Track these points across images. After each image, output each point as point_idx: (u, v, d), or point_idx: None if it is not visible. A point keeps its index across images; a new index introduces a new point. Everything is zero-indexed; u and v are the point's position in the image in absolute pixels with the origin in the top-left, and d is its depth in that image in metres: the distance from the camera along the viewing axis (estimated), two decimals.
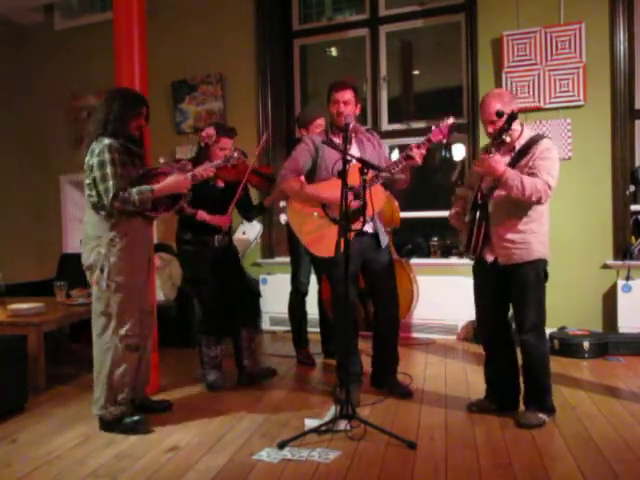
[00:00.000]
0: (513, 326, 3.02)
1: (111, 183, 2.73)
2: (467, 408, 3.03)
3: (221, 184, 3.55)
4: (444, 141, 3.17)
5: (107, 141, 2.79)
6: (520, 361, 2.93)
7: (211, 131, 3.45)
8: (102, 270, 2.81)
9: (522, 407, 2.93)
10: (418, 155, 3.07)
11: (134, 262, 2.89)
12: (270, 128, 5.48)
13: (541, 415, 2.81)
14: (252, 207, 3.77)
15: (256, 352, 3.72)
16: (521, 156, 2.78)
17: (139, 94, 3.06)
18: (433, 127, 3.13)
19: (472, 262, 3.06)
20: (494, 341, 2.99)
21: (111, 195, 2.73)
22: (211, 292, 3.52)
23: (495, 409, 2.97)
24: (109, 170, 2.74)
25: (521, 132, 2.83)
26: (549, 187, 2.70)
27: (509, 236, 2.79)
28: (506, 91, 3.19)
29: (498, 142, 2.71)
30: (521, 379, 2.95)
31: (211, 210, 3.47)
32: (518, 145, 2.81)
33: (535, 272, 2.80)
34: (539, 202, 2.72)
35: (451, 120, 3.11)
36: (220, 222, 3.49)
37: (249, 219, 3.97)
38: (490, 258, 2.87)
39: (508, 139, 2.70)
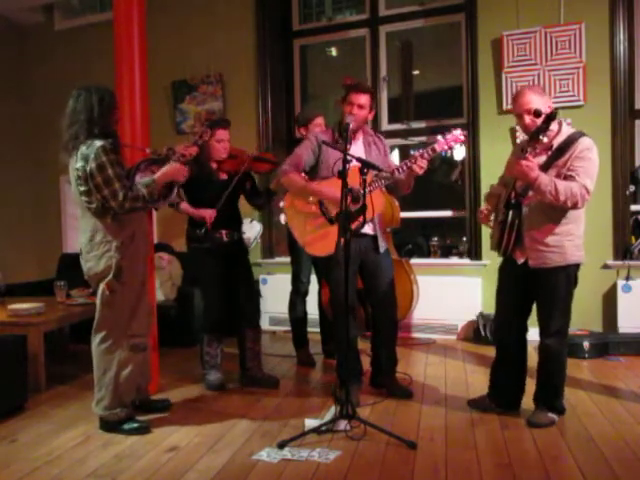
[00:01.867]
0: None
1: (118, 185, 2.69)
2: (467, 403, 3.03)
3: (224, 176, 3.54)
4: (448, 151, 3.15)
5: (99, 143, 2.71)
6: (534, 362, 2.89)
7: (205, 129, 3.42)
8: (117, 276, 2.77)
9: (524, 406, 2.93)
10: (418, 167, 3.06)
11: (141, 262, 2.91)
12: (270, 128, 5.49)
13: (551, 415, 2.81)
14: (260, 193, 3.69)
15: (261, 354, 3.71)
16: (559, 155, 2.67)
17: (107, 87, 2.94)
18: (439, 137, 3.10)
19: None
20: (510, 342, 2.94)
21: (121, 196, 2.68)
22: (215, 290, 3.51)
23: (495, 408, 2.96)
24: (110, 172, 2.68)
25: (559, 129, 2.73)
26: (587, 191, 2.60)
27: (543, 239, 2.70)
28: (539, 87, 3.12)
29: (534, 142, 2.61)
30: (527, 381, 2.94)
31: (215, 204, 3.43)
32: (556, 143, 2.70)
33: (567, 277, 2.74)
34: (575, 207, 2.63)
35: (458, 131, 3.09)
36: (203, 215, 3.40)
37: (260, 207, 3.87)
38: (521, 259, 2.79)
39: (545, 139, 2.60)
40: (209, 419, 3.01)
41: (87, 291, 4.20)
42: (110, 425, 2.86)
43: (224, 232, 3.51)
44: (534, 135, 2.59)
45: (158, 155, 2.98)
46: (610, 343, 4.14)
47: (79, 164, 2.74)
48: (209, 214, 3.41)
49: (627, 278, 4.37)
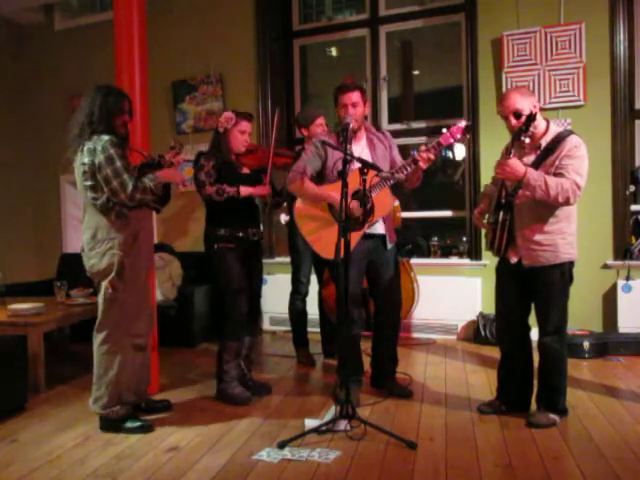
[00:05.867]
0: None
1: (126, 176, 2.69)
2: (478, 410, 3.00)
3: (247, 171, 3.39)
4: (454, 144, 3.10)
5: (106, 136, 2.72)
6: (536, 362, 2.89)
7: (230, 114, 3.29)
8: (119, 273, 2.76)
9: (533, 407, 2.91)
10: (423, 160, 2.97)
11: (144, 260, 2.92)
12: (270, 128, 5.49)
13: (552, 416, 2.79)
14: (278, 191, 3.50)
15: (254, 363, 3.65)
16: (548, 154, 2.66)
17: (119, 89, 2.97)
18: (444, 130, 2.97)
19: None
20: (512, 342, 2.93)
21: (131, 187, 2.69)
22: (244, 293, 3.24)
23: (506, 410, 2.94)
24: (119, 164, 2.69)
25: (547, 128, 2.72)
26: (578, 187, 2.58)
27: (535, 237, 2.70)
28: (525, 87, 3.09)
29: (518, 143, 2.64)
30: (535, 381, 2.93)
31: (241, 199, 3.25)
32: (544, 142, 2.69)
33: (561, 275, 2.73)
34: (567, 203, 2.62)
35: (463, 123, 2.96)
36: (264, 191, 3.28)
37: (279, 203, 3.65)
38: (514, 259, 2.80)
39: (527, 140, 2.62)
40: (209, 419, 3.01)
41: (87, 291, 4.20)
42: (111, 423, 2.86)
43: (250, 231, 3.32)
44: (515, 136, 2.62)
45: (152, 160, 2.97)
46: (610, 343, 4.14)
47: (86, 159, 2.73)
48: (267, 190, 3.30)
49: (627, 278, 4.37)
